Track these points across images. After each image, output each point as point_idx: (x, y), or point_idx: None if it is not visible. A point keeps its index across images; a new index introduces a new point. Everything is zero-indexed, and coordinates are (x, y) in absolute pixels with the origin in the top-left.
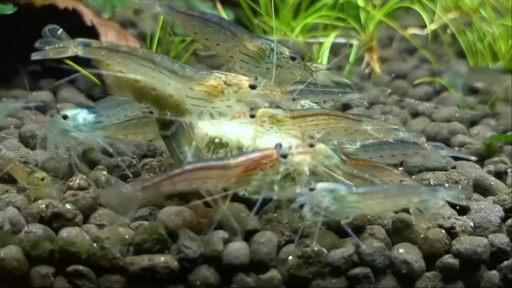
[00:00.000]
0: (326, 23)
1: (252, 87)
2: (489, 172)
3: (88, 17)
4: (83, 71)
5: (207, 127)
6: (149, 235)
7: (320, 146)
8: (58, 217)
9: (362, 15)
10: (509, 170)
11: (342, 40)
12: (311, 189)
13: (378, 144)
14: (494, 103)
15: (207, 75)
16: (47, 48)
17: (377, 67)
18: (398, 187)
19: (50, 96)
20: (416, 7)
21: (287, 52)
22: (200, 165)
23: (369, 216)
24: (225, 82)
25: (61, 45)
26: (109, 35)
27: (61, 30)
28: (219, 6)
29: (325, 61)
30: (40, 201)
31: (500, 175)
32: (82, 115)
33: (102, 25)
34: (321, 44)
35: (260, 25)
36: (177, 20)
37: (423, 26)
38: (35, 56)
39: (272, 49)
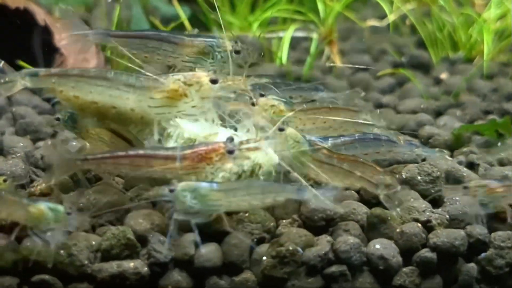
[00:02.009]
0: (285, 17)
1: (213, 81)
2: (460, 163)
3: (41, 16)
4: None
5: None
6: (117, 240)
7: (290, 131)
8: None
9: (321, 8)
10: (481, 161)
11: (301, 34)
12: (171, 190)
13: (350, 142)
14: (458, 94)
15: (165, 80)
16: None
17: (337, 60)
18: (263, 184)
19: (2, 99)
20: None
21: (230, 46)
22: (143, 152)
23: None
24: (185, 83)
25: (7, 79)
26: (63, 35)
27: (2, 62)
28: (175, 2)
29: (285, 55)
30: None
31: (472, 165)
32: None
33: (55, 25)
34: (280, 38)
35: (217, 21)
36: (116, 43)
37: (382, 17)
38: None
39: (213, 46)
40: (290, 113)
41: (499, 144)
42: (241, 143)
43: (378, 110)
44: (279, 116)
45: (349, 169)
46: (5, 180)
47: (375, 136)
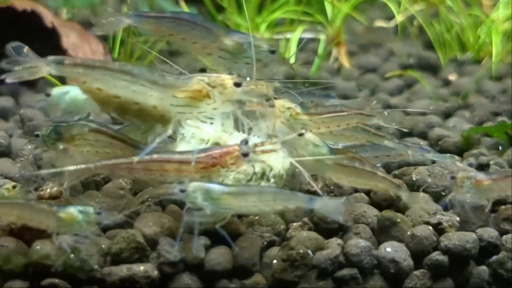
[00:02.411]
0: (292, 18)
1: (237, 84)
2: (470, 165)
3: (48, 18)
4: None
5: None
6: (127, 244)
7: (310, 135)
8: (29, 230)
9: (328, 9)
10: (491, 162)
11: (309, 35)
12: (182, 190)
13: (361, 144)
14: (467, 95)
15: (189, 80)
16: (17, 68)
17: (345, 62)
18: (275, 191)
19: (11, 101)
20: None
21: (265, 45)
22: (157, 157)
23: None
24: (209, 84)
25: (32, 64)
26: (71, 37)
27: (26, 47)
28: (182, 3)
29: (292, 57)
30: None
31: (482, 167)
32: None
33: (63, 27)
34: (287, 40)
35: (224, 21)
36: (147, 25)
37: (389, 18)
38: (9, 79)
39: (249, 44)
40: (306, 117)
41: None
42: (255, 145)
43: (386, 112)
44: (296, 118)
45: (372, 170)
46: (14, 187)
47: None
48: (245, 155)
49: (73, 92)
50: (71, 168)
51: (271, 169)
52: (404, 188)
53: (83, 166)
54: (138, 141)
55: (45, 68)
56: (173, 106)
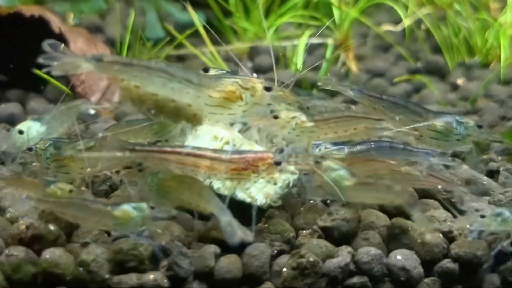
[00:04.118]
0: (300, 23)
1: (267, 89)
2: (479, 171)
3: (56, 24)
4: (52, 80)
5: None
6: (128, 253)
7: (327, 163)
8: (39, 239)
9: (336, 14)
10: (501, 169)
11: (316, 40)
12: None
13: (366, 150)
14: (475, 99)
15: (223, 81)
16: (56, 63)
17: (353, 66)
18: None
19: (19, 107)
20: (390, 3)
21: (471, 122)
22: (191, 151)
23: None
24: (241, 87)
25: (72, 60)
26: (78, 42)
27: (62, 45)
28: (189, 8)
29: (300, 62)
30: (21, 222)
31: (492, 173)
32: (35, 128)
33: (70, 32)
34: (294, 45)
35: (232, 26)
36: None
37: (396, 22)
38: (55, 72)
39: (458, 121)
40: (312, 124)
41: None
42: (289, 156)
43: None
44: (301, 127)
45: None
46: (70, 191)
47: (391, 144)
48: (278, 163)
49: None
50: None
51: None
52: (419, 207)
53: (118, 146)
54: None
55: (85, 64)
56: (207, 106)
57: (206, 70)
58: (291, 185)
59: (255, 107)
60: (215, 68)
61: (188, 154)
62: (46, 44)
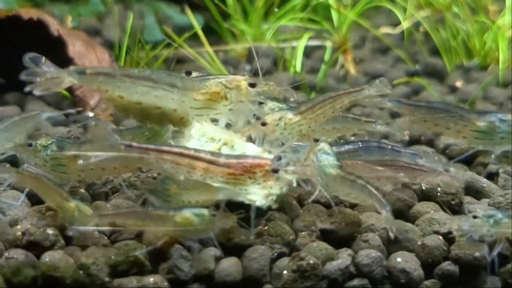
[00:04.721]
0: (298, 26)
1: (252, 85)
2: (479, 173)
3: (54, 27)
4: None
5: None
6: (126, 257)
7: (322, 145)
8: (35, 244)
9: (335, 16)
10: (500, 171)
11: (315, 43)
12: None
13: (353, 150)
14: (474, 102)
15: (206, 82)
16: (39, 80)
17: (352, 68)
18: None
19: (17, 110)
20: (389, 6)
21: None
22: (187, 152)
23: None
24: (226, 86)
25: (54, 75)
26: (76, 45)
27: (44, 58)
28: (188, 11)
29: (299, 64)
30: (18, 227)
31: (491, 176)
32: None
33: (68, 35)
34: (293, 47)
35: (230, 29)
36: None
37: (395, 24)
38: (36, 92)
39: (500, 120)
40: (299, 117)
41: None
42: (288, 164)
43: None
44: (291, 125)
45: (364, 184)
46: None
47: (379, 144)
48: (275, 171)
49: None
50: (102, 144)
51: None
52: (389, 208)
53: (114, 141)
54: None
55: (67, 78)
56: (193, 109)
57: (188, 73)
58: (293, 185)
59: (240, 104)
60: (196, 72)
61: (183, 155)
62: (26, 59)
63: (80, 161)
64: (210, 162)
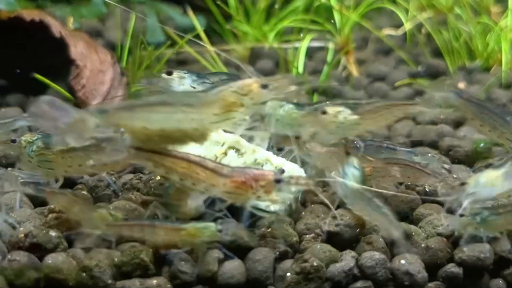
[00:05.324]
0: (300, 27)
1: (264, 86)
2: None
3: (56, 28)
4: (53, 84)
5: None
6: (131, 258)
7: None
8: (38, 246)
9: (337, 17)
10: None
11: (317, 44)
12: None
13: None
14: None
15: (220, 93)
16: (64, 126)
17: (354, 70)
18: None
19: (19, 112)
20: (391, 7)
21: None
22: (193, 158)
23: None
24: (240, 94)
25: (78, 119)
26: (78, 46)
27: (59, 101)
28: (190, 12)
29: (301, 65)
30: (20, 229)
31: None
32: None
33: (71, 37)
34: (296, 48)
35: (232, 30)
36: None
37: (397, 26)
38: (70, 141)
39: None
40: (356, 117)
41: None
42: (291, 177)
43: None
44: (349, 122)
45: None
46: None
47: (374, 142)
48: (278, 181)
49: None
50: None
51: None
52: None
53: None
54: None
55: (91, 120)
56: (213, 123)
57: (169, 73)
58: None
59: (255, 107)
60: (177, 71)
61: (189, 160)
62: (42, 103)
63: (90, 162)
64: (212, 171)
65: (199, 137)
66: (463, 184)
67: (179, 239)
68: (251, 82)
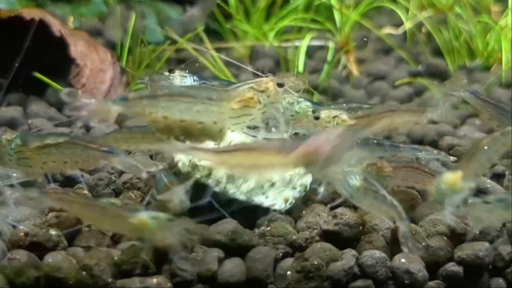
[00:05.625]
0: (300, 26)
1: (280, 85)
2: (484, 174)
3: (56, 27)
4: (53, 83)
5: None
6: (131, 257)
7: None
8: (38, 245)
9: (337, 17)
10: (507, 173)
11: (317, 43)
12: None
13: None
14: None
15: (240, 89)
16: (85, 113)
17: (354, 69)
18: None
19: (19, 111)
20: (391, 6)
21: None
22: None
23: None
24: (257, 90)
25: (100, 107)
26: (78, 46)
27: (80, 92)
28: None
29: (301, 64)
30: (20, 227)
31: (498, 177)
32: None
33: (71, 36)
34: (296, 47)
35: (232, 29)
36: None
37: (397, 25)
38: (94, 124)
39: None
40: (353, 121)
41: None
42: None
43: None
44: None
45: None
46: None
47: (378, 141)
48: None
49: None
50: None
51: (300, 178)
52: (407, 223)
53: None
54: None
55: (113, 107)
56: (231, 119)
57: (171, 70)
58: (308, 188)
59: (272, 105)
60: (179, 70)
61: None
62: (63, 94)
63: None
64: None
65: (217, 133)
66: None
67: (128, 226)
68: (267, 80)
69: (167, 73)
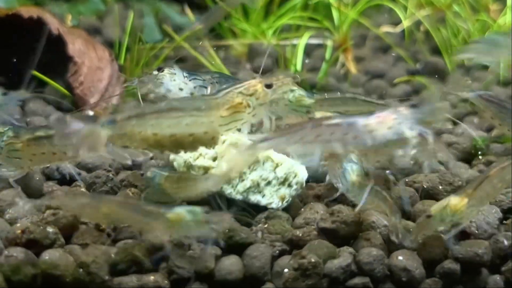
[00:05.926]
0: (299, 24)
1: (268, 86)
2: (480, 172)
3: (54, 25)
4: (51, 82)
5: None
6: (125, 255)
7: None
8: (35, 243)
9: (335, 15)
10: None
11: (316, 41)
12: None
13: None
14: None
15: (227, 96)
16: (76, 141)
17: (352, 67)
18: None
19: (17, 109)
20: (389, 4)
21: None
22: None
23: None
24: (246, 94)
25: (89, 131)
26: (76, 44)
27: (68, 116)
28: (188, 11)
29: (299, 63)
30: (17, 225)
31: None
32: None
33: (69, 34)
34: (294, 45)
35: (230, 28)
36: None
37: (395, 23)
38: (83, 154)
39: None
40: (312, 101)
41: None
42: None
43: None
44: (299, 101)
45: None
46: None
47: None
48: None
49: None
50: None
51: (295, 175)
52: (398, 216)
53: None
54: None
55: (103, 132)
56: (222, 126)
57: (160, 69)
58: (304, 186)
59: (261, 107)
60: (168, 68)
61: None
62: (52, 121)
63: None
64: None
65: (209, 141)
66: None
67: (165, 223)
68: (256, 83)
69: (156, 72)
